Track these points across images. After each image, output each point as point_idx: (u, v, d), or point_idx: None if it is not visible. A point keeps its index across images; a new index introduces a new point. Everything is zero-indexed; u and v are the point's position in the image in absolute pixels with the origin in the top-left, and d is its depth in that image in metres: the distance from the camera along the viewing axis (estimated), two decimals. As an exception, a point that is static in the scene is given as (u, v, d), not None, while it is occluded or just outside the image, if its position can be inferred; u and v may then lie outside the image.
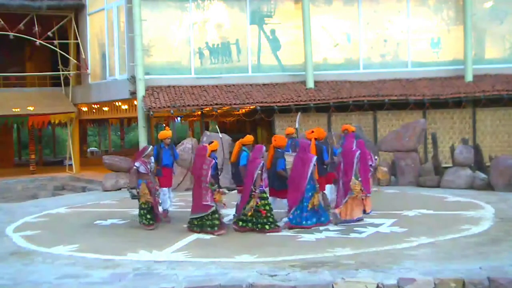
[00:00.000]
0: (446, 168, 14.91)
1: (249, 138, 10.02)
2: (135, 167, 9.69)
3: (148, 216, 9.70)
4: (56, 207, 12.85)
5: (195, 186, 9.27)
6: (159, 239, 8.76)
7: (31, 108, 20.65)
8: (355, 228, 9.14)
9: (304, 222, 9.22)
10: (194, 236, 8.94)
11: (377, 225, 9.34)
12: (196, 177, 9.24)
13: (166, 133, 10.75)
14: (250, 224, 9.13)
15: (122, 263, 7.31)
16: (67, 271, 6.93)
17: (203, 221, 9.06)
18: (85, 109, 22.00)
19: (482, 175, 13.78)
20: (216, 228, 9.01)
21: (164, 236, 9.03)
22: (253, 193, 8.98)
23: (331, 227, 9.33)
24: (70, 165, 21.88)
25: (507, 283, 6.02)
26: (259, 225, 9.08)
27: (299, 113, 11.40)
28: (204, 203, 8.97)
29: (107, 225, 10.32)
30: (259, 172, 8.99)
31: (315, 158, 9.36)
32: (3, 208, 13.06)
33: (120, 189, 15.85)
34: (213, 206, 8.98)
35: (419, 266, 6.64)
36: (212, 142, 9.94)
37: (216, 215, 9.06)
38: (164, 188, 10.57)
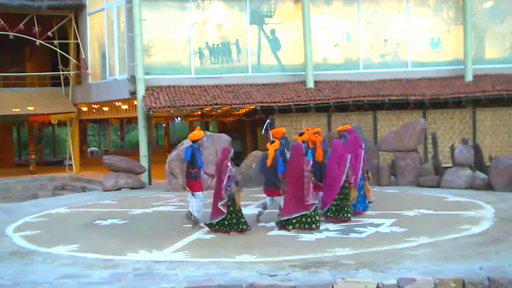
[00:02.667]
0: (446, 168, 14.91)
1: (305, 137, 10.36)
2: (232, 172, 9.08)
3: (243, 220, 9.06)
4: (56, 207, 12.84)
5: (293, 187, 9.11)
6: (159, 239, 8.75)
7: (31, 108, 20.66)
8: (355, 228, 9.13)
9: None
10: (194, 236, 8.94)
11: (377, 225, 9.33)
12: (296, 178, 9.11)
13: (199, 133, 10.05)
14: (341, 214, 9.72)
15: (122, 263, 7.30)
16: (67, 271, 6.93)
17: (305, 219, 9.08)
18: (85, 109, 22.01)
19: (482, 175, 13.77)
20: (318, 224, 9.16)
21: (164, 236, 9.02)
22: (349, 184, 9.69)
23: (331, 227, 9.33)
24: (70, 165, 21.90)
25: (507, 283, 6.01)
26: (346, 214, 9.69)
27: (268, 119, 11.55)
28: (306, 203, 9.04)
29: (107, 225, 10.32)
30: (349, 165, 9.71)
31: (349, 156, 9.89)
32: (3, 208, 13.05)
33: (120, 189, 15.85)
34: (315, 204, 9.24)
35: (419, 266, 6.64)
36: (274, 141, 9.84)
37: (317, 212, 9.26)
38: (200, 193, 9.80)
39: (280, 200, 9.63)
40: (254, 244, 8.22)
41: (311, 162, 9.43)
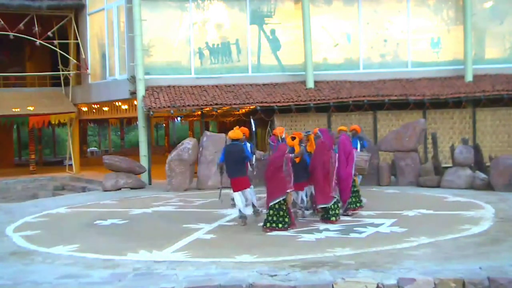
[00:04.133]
0: (446, 168, 14.91)
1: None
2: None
3: (287, 219, 9.12)
4: (56, 207, 12.84)
5: (320, 179, 9.61)
6: (159, 239, 8.75)
7: (31, 108, 20.67)
8: (355, 228, 9.13)
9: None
10: (194, 236, 8.94)
11: (377, 225, 9.33)
12: (324, 171, 9.58)
13: (240, 132, 10.17)
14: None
15: (122, 263, 7.30)
16: (67, 271, 6.93)
17: (328, 212, 9.59)
18: (85, 109, 22.02)
19: (482, 175, 13.77)
20: (339, 217, 9.69)
21: (164, 236, 9.02)
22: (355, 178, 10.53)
23: (331, 227, 9.33)
24: (70, 165, 21.90)
25: (507, 283, 6.01)
26: (355, 204, 10.58)
27: (251, 119, 11.83)
28: (331, 194, 9.60)
29: (107, 225, 10.31)
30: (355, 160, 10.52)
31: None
32: (3, 208, 13.05)
33: (120, 189, 15.84)
34: (335, 198, 9.69)
35: (419, 266, 6.64)
36: (295, 138, 10.16)
37: (338, 205, 9.77)
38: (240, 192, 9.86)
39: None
40: (254, 244, 8.22)
41: (337, 155, 9.96)
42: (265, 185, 9.35)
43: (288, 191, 8.99)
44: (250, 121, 11.48)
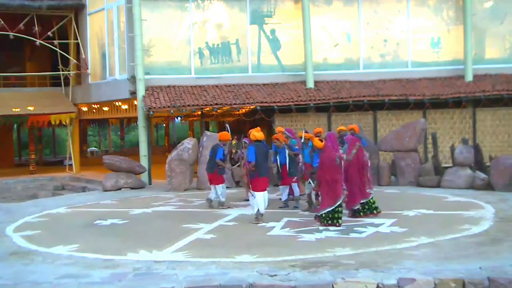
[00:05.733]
0: (446, 168, 14.91)
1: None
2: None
3: (341, 214, 9.42)
4: (56, 207, 12.84)
5: (356, 176, 9.93)
6: (159, 239, 8.75)
7: (31, 108, 20.68)
8: (355, 228, 9.13)
9: None
10: (194, 236, 8.95)
11: (377, 225, 9.33)
12: (359, 167, 9.99)
13: (262, 134, 10.32)
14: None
15: (122, 263, 7.30)
16: (67, 271, 6.93)
17: (368, 206, 10.03)
18: (85, 109, 22.02)
19: (482, 175, 13.76)
20: (378, 210, 10.11)
21: (164, 236, 9.03)
22: None
23: (331, 227, 9.33)
24: (70, 165, 21.91)
25: (507, 283, 6.02)
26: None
27: (226, 124, 12.04)
28: (368, 190, 10.01)
29: (107, 225, 10.31)
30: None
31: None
32: (3, 208, 13.05)
33: (120, 189, 15.84)
34: (372, 193, 10.08)
35: (419, 266, 6.64)
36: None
37: (374, 199, 10.13)
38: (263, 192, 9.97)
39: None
40: (254, 244, 8.21)
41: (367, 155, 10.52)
42: (320, 187, 9.51)
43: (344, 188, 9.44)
44: (226, 126, 11.64)
